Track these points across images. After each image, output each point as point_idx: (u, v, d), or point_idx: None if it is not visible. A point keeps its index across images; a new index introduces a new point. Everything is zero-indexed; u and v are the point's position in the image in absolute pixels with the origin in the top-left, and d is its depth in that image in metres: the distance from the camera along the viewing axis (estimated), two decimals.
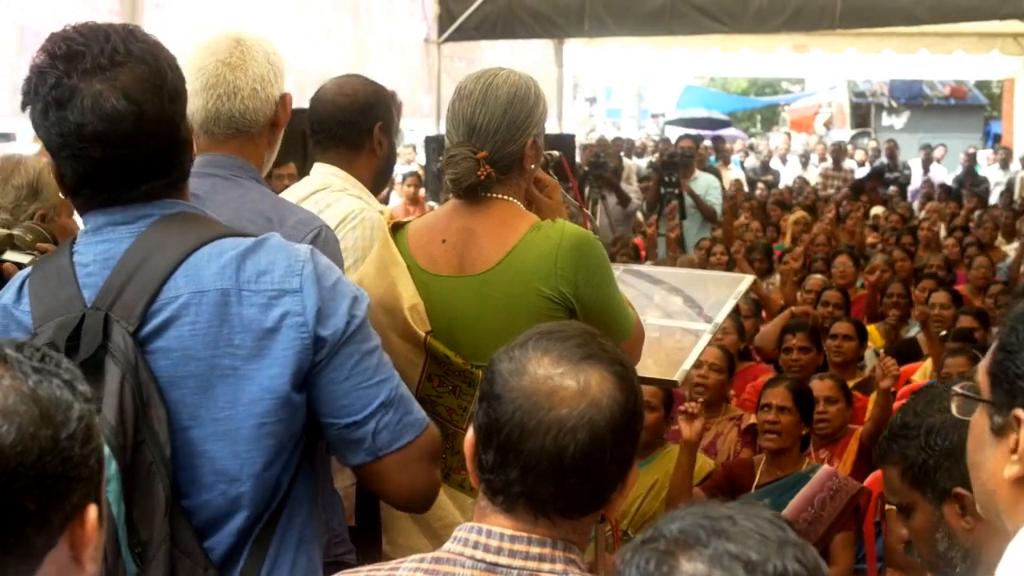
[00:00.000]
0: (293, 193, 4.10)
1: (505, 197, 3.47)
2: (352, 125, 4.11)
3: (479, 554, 2.18)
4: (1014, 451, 1.85)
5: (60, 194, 2.89)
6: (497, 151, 3.40)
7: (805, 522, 5.58)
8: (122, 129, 2.44)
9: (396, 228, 3.59)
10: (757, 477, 6.04)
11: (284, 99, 3.37)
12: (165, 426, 2.44)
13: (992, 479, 1.91)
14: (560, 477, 2.15)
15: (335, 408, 2.59)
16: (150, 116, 2.46)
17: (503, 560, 2.17)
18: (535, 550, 2.18)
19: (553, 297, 3.34)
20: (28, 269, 2.72)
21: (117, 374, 2.40)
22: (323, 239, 3.19)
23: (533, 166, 3.56)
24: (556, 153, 4.01)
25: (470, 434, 2.27)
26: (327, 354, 2.55)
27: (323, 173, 4.13)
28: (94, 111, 2.42)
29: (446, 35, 16.85)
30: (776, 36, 20.92)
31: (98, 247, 2.56)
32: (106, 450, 2.30)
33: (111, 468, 2.34)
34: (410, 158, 19.04)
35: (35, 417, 1.56)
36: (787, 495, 5.74)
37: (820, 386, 6.51)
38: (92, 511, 1.62)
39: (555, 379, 2.17)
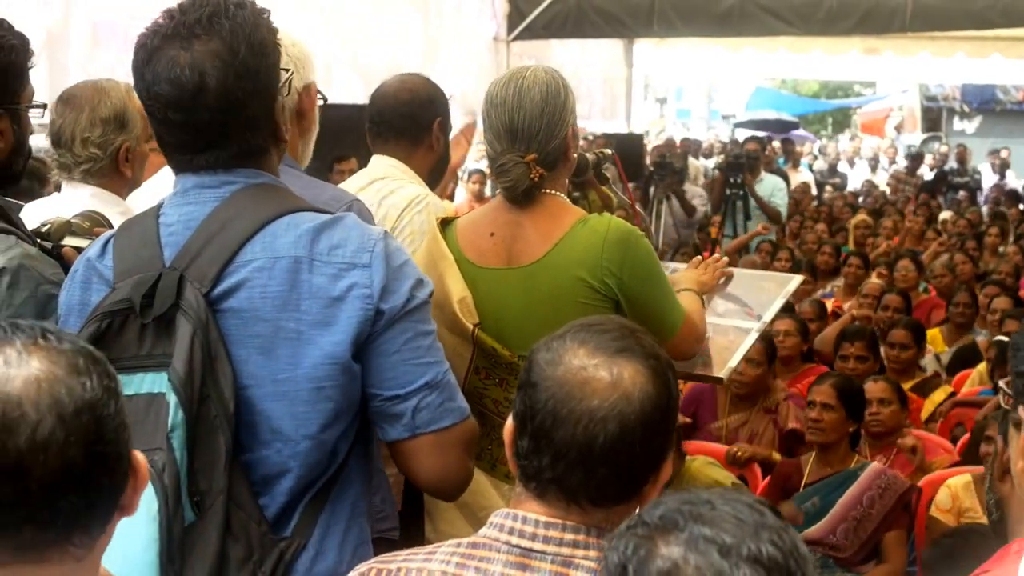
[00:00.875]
0: (352, 183, 4.22)
1: (551, 192, 3.53)
2: (413, 119, 4.23)
3: (514, 539, 2.22)
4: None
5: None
6: (543, 150, 3.46)
7: (854, 520, 5.62)
8: (183, 96, 2.57)
9: (445, 224, 3.65)
10: (806, 476, 6.06)
11: (308, 88, 3.48)
12: (231, 382, 2.54)
13: (1015, 471, 1.96)
14: (590, 466, 2.18)
15: (381, 379, 2.67)
16: (211, 88, 2.56)
17: (537, 546, 2.21)
18: (569, 536, 2.21)
19: (598, 288, 3.39)
20: (115, 228, 2.84)
21: (188, 330, 2.51)
22: (356, 211, 3.24)
23: (575, 154, 3.63)
24: (608, 151, 4.09)
25: (509, 421, 2.31)
26: (383, 326, 2.63)
27: (382, 164, 4.24)
28: (164, 74, 2.56)
29: (515, 33, 16.87)
30: (847, 38, 20.77)
31: (183, 209, 2.69)
32: (172, 399, 2.46)
33: (177, 417, 2.46)
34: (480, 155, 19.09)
35: (101, 371, 1.71)
36: (836, 493, 5.79)
37: (873, 388, 6.51)
38: (141, 456, 1.76)
39: (588, 370, 2.21)
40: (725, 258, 4.29)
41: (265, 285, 2.59)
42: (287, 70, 2.93)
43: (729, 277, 4.29)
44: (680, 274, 3.98)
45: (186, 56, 2.56)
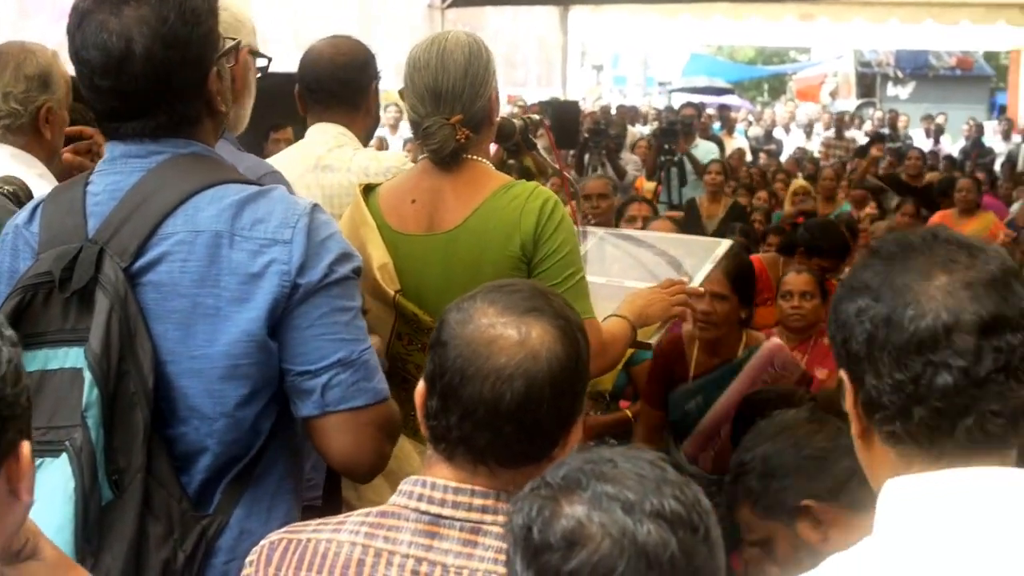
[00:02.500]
0: (308, 151, 4.23)
1: (474, 157, 3.51)
2: (353, 84, 4.22)
3: (423, 506, 2.21)
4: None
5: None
6: (467, 112, 3.44)
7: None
8: (109, 61, 2.53)
9: (368, 190, 3.62)
10: (692, 367, 5.53)
11: (239, 54, 3.42)
12: (150, 358, 2.51)
13: (854, 442, 2.00)
14: (497, 425, 2.18)
15: (293, 354, 2.62)
16: (137, 55, 2.52)
17: (447, 512, 2.19)
18: (478, 501, 2.20)
19: (515, 255, 3.39)
20: (45, 193, 2.81)
21: (106, 305, 2.47)
22: (270, 182, 3.23)
23: (498, 119, 3.64)
24: (536, 117, 4.09)
25: (421, 384, 2.30)
26: (297, 300, 2.58)
27: (332, 132, 4.23)
28: (92, 39, 2.53)
29: (450, 1, 16.86)
30: (782, 4, 20.96)
31: (109, 178, 2.65)
32: (88, 377, 2.42)
33: (92, 395, 2.42)
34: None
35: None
36: (722, 389, 5.28)
37: (796, 280, 6.37)
38: (26, 446, 1.69)
39: (496, 328, 2.21)
40: (701, 288, 4.14)
41: (185, 260, 2.55)
42: (232, 39, 2.88)
43: (684, 312, 4.13)
44: (626, 299, 3.88)
45: (115, 21, 2.52)
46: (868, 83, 35.54)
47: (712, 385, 5.36)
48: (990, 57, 34.27)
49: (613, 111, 20.85)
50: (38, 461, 2.35)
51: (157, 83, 2.56)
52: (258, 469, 2.69)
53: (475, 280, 3.22)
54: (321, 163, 4.19)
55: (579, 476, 1.78)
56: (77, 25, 2.56)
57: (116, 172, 2.65)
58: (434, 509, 2.20)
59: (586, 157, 13.75)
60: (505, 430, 2.18)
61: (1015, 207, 13.46)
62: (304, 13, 13.43)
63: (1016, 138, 22.50)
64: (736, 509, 3.12)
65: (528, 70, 20.82)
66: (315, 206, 2.68)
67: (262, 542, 2.33)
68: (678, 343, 5.58)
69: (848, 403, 1.94)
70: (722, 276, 5.29)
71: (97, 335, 2.45)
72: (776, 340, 5.58)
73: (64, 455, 2.42)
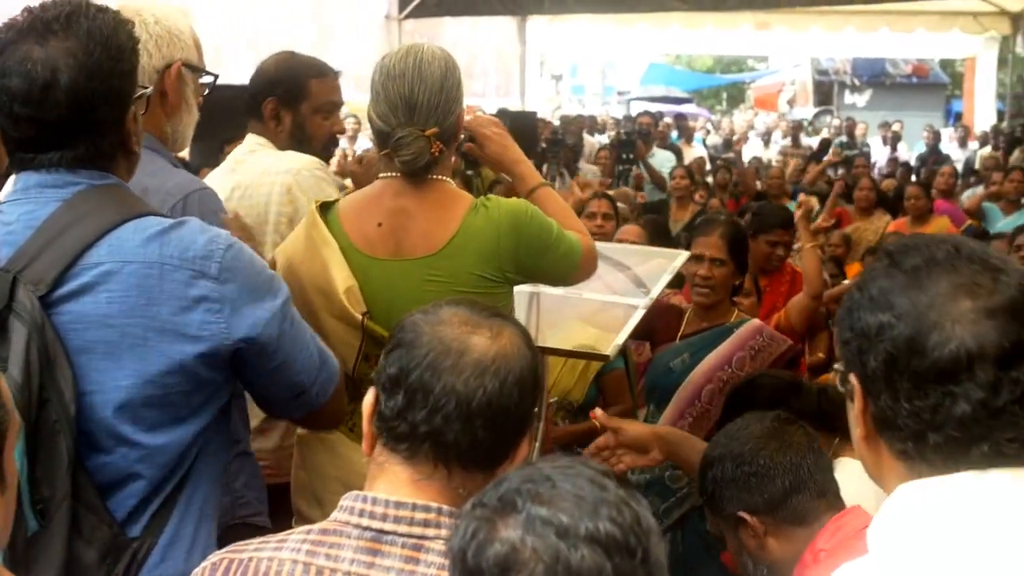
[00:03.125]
0: (231, 157, 4.33)
1: (440, 177, 3.48)
2: (252, 99, 4.27)
3: (364, 522, 2.18)
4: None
5: None
6: (441, 126, 3.40)
7: (720, 381, 5.20)
8: (32, 90, 2.52)
9: (325, 208, 3.55)
10: (683, 326, 5.62)
11: (169, 69, 3.40)
12: (71, 385, 2.49)
13: (855, 442, 2.00)
14: (468, 419, 2.16)
15: (286, 387, 2.79)
16: (61, 86, 2.52)
17: (388, 527, 2.16)
18: (420, 515, 2.17)
19: (496, 278, 3.38)
20: None
21: (23, 333, 2.44)
22: (197, 201, 3.31)
23: (461, 135, 3.61)
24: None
25: (370, 395, 2.28)
26: (256, 352, 2.68)
27: (251, 141, 4.29)
28: (15, 67, 2.53)
29: (407, 11, 16.83)
30: (739, 13, 21.01)
31: (23, 207, 2.62)
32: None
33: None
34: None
35: None
36: (707, 350, 5.34)
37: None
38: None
39: (469, 326, 2.22)
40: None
41: (112, 290, 2.54)
42: (144, 87, 2.87)
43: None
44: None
45: (40, 51, 2.53)
46: (825, 91, 35.68)
47: (700, 345, 5.40)
48: (945, 65, 34.44)
49: (556, 121, 20.85)
50: None
51: (78, 114, 2.57)
52: (184, 493, 2.70)
53: None
54: (236, 166, 4.25)
55: (515, 497, 1.76)
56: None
57: (30, 201, 2.63)
58: (375, 524, 2.17)
59: (544, 167, 13.73)
60: (475, 424, 2.17)
61: (965, 194, 13.50)
62: (260, 27, 13.39)
63: (973, 145, 22.61)
64: (706, 503, 3.23)
65: (487, 80, 20.83)
66: (233, 242, 2.69)
67: (203, 563, 2.30)
68: (672, 306, 5.69)
69: (856, 409, 1.93)
70: (720, 241, 5.51)
71: (16, 363, 2.42)
72: (757, 322, 5.59)
73: None
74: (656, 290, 4.43)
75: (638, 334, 5.32)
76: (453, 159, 3.63)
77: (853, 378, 1.92)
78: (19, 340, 2.44)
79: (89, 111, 2.58)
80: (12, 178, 2.70)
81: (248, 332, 2.63)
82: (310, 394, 2.84)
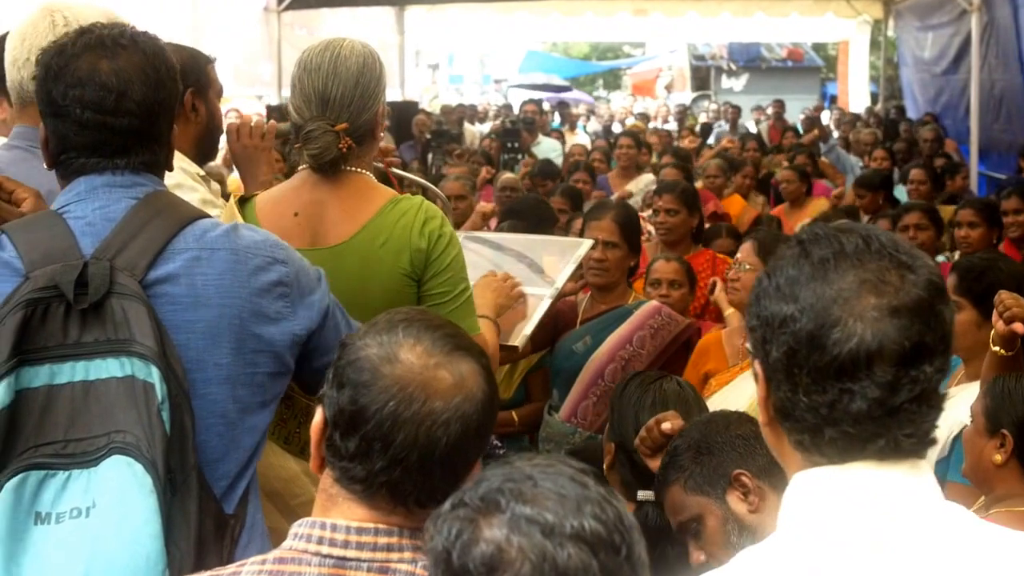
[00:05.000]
0: None
1: (357, 169, 3.47)
2: None
3: (324, 549, 2.12)
4: None
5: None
6: (353, 122, 3.40)
7: (622, 359, 5.32)
8: (107, 99, 2.72)
9: (243, 202, 3.56)
10: (580, 314, 5.72)
11: None
12: (180, 363, 2.62)
13: (761, 427, 2.02)
14: (428, 469, 2.12)
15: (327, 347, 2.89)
16: (134, 96, 2.74)
17: (351, 553, 2.11)
18: (383, 540, 2.13)
19: (406, 272, 3.36)
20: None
21: (144, 311, 2.58)
22: None
23: (382, 134, 3.58)
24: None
25: (319, 417, 2.21)
26: (318, 332, 2.89)
27: None
28: (88, 76, 2.72)
29: (286, 3, 16.68)
30: (617, 1, 21.12)
31: (95, 203, 2.76)
32: (156, 375, 2.51)
33: (163, 392, 2.52)
34: None
35: None
36: (608, 330, 5.44)
37: (665, 268, 6.27)
38: None
39: (430, 370, 2.14)
40: (515, 279, 4.10)
41: (206, 273, 2.72)
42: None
43: (523, 299, 4.12)
44: (476, 296, 3.82)
45: (110, 64, 2.73)
46: (702, 76, 36.02)
47: (601, 326, 5.50)
48: (818, 48, 34.95)
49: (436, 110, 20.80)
50: (63, 475, 2.47)
51: (144, 124, 2.78)
52: (255, 478, 2.86)
53: (361, 296, 3.27)
54: None
55: (498, 497, 1.75)
56: (63, 65, 2.74)
57: (100, 199, 2.76)
58: (337, 552, 2.12)
59: (429, 157, 13.69)
60: (435, 473, 2.14)
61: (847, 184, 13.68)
62: (134, 17, 13.15)
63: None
64: (667, 489, 3.18)
65: None
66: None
67: None
68: (570, 304, 5.73)
69: (759, 395, 1.94)
70: (612, 224, 5.67)
71: (148, 336, 2.55)
72: (656, 302, 5.68)
73: (119, 457, 2.47)
74: (561, 279, 4.43)
75: (539, 344, 5.37)
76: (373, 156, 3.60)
77: (757, 365, 1.93)
78: (141, 317, 2.57)
79: (154, 122, 2.80)
80: (69, 185, 2.81)
81: (310, 315, 2.86)
82: None
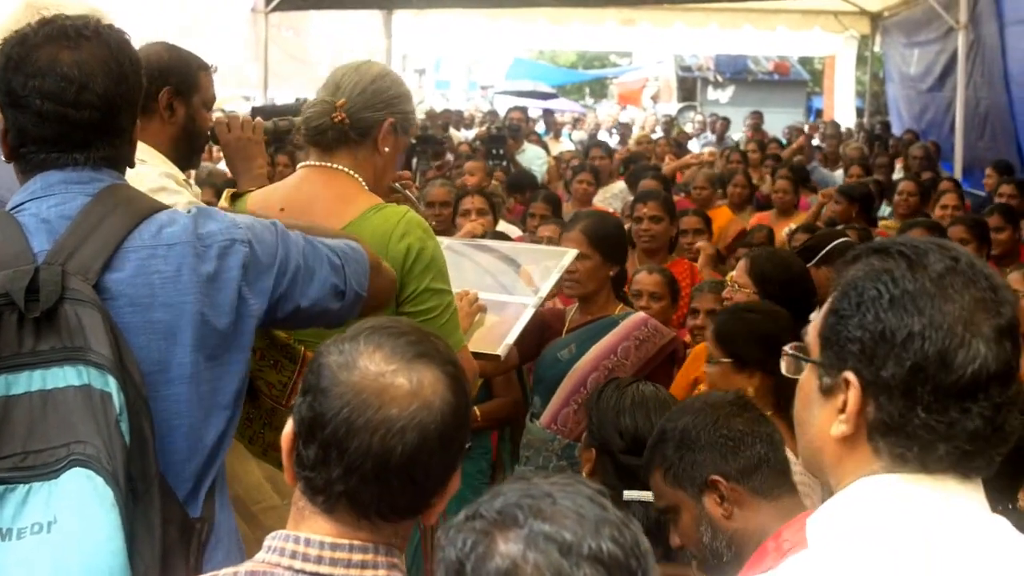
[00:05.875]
0: None
1: (352, 172, 3.51)
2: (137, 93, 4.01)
3: (298, 564, 2.07)
4: (842, 411, 1.88)
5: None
6: (355, 107, 3.48)
7: (606, 369, 5.26)
8: (67, 91, 2.67)
9: (236, 197, 3.60)
10: (567, 323, 5.66)
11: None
12: (137, 368, 2.56)
13: (819, 436, 1.94)
14: (385, 479, 2.07)
15: (325, 298, 2.96)
16: (96, 88, 2.69)
17: (324, 569, 2.07)
18: (357, 556, 2.08)
19: None
20: None
21: (98, 317, 2.51)
22: None
23: (387, 150, 3.58)
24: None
25: (289, 428, 2.16)
26: (283, 293, 2.86)
27: None
28: (48, 67, 2.67)
29: (273, 4, 16.64)
30: (604, 10, 21.13)
31: (51, 200, 2.71)
32: (113, 385, 2.46)
33: (121, 402, 2.46)
34: None
35: None
36: (593, 340, 5.40)
37: (646, 280, 6.26)
38: None
39: (386, 376, 2.08)
40: (473, 292, 4.08)
41: (161, 271, 2.67)
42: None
43: (483, 314, 4.09)
44: None
45: (72, 55, 2.69)
46: (689, 87, 36.01)
47: (586, 335, 5.46)
48: (805, 62, 34.99)
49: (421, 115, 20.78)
50: (23, 488, 2.41)
51: (106, 117, 2.74)
52: (220, 478, 2.82)
53: None
54: None
55: (516, 512, 1.73)
56: (24, 55, 2.69)
57: (56, 195, 2.72)
58: (310, 567, 2.07)
59: (414, 162, 13.66)
60: (393, 484, 2.09)
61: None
62: (122, 17, 13.13)
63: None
64: (649, 474, 3.19)
65: None
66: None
67: None
68: (558, 312, 5.74)
69: (850, 408, 1.88)
70: (581, 236, 5.57)
71: (103, 343, 2.49)
72: (642, 314, 5.65)
73: (79, 470, 2.42)
74: (545, 288, 4.43)
75: (526, 355, 5.36)
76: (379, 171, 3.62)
77: (851, 376, 1.87)
78: (96, 323, 2.51)
79: (115, 115, 2.75)
80: (27, 182, 2.77)
81: (267, 287, 2.82)
82: (350, 289, 2.98)
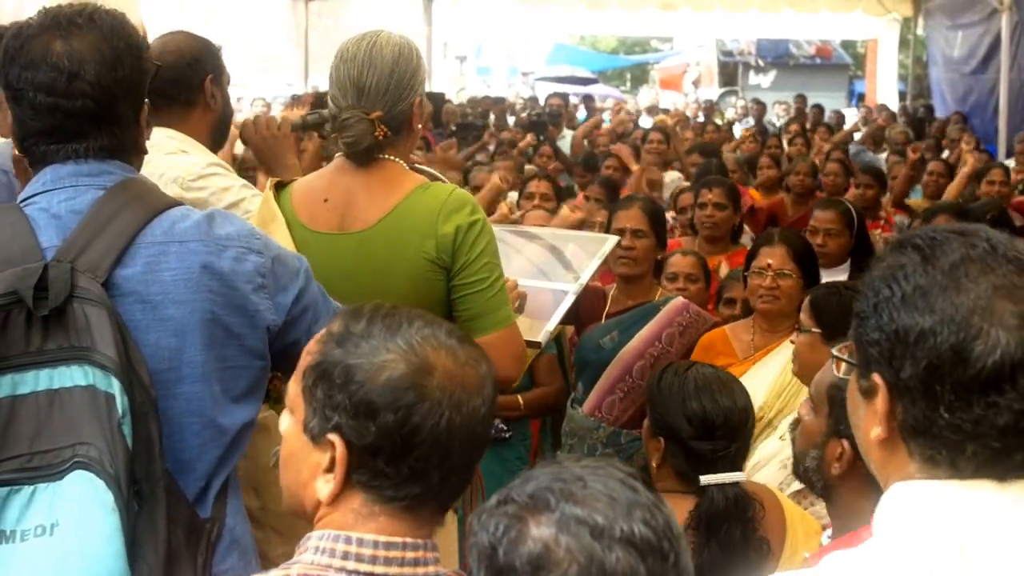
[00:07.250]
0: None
1: (392, 158, 3.47)
2: (182, 82, 3.97)
3: (351, 565, 2.01)
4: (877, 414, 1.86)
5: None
6: (388, 111, 3.40)
7: (652, 356, 5.22)
8: (57, 79, 2.62)
9: (280, 187, 3.57)
10: (608, 305, 5.66)
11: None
12: (145, 368, 2.52)
13: (865, 439, 1.90)
14: (470, 467, 2.08)
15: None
16: (88, 77, 2.63)
17: (379, 569, 2.01)
18: (410, 554, 2.04)
19: (432, 258, 3.33)
20: None
21: (105, 317, 2.47)
22: None
23: (420, 126, 3.58)
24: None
25: (341, 447, 2.05)
26: (298, 316, 2.81)
27: (157, 137, 3.95)
28: (40, 58, 2.63)
29: None
30: None
31: (61, 194, 2.67)
32: (117, 387, 2.43)
33: (124, 403, 2.43)
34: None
35: None
36: (636, 327, 5.34)
37: (681, 262, 6.16)
38: None
39: (465, 369, 2.06)
40: (513, 280, 3.92)
41: (173, 268, 2.62)
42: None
43: (523, 301, 3.97)
44: None
45: (63, 44, 2.63)
46: (730, 72, 35.92)
47: (629, 322, 5.41)
48: (848, 46, 34.83)
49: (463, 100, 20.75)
50: (28, 489, 2.39)
51: (102, 105, 2.66)
52: (232, 477, 2.78)
53: (387, 282, 3.28)
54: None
55: (547, 495, 1.74)
56: (19, 47, 2.65)
57: (67, 189, 2.67)
58: (364, 567, 2.02)
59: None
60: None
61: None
62: (159, 5, 13.14)
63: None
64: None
65: None
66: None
67: None
68: (595, 288, 5.66)
69: (880, 412, 1.83)
70: (640, 213, 5.64)
71: (109, 344, 2.46)
72: (683, 299, 5.56)
73: (81, 472, 2.39)
74: (586, 275, 4.42)
75: (565, 319, 5.30)
76: (411, 147, 3.60)
77: (878, 378, 1.82)
78: (103, 323, 2.47)
79: (112, 103, 2.67)
80: (37, 175, 2.73)
81: (285, 306, 2.77)
82: None
